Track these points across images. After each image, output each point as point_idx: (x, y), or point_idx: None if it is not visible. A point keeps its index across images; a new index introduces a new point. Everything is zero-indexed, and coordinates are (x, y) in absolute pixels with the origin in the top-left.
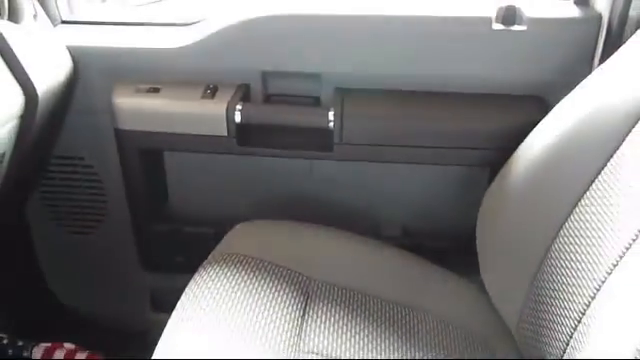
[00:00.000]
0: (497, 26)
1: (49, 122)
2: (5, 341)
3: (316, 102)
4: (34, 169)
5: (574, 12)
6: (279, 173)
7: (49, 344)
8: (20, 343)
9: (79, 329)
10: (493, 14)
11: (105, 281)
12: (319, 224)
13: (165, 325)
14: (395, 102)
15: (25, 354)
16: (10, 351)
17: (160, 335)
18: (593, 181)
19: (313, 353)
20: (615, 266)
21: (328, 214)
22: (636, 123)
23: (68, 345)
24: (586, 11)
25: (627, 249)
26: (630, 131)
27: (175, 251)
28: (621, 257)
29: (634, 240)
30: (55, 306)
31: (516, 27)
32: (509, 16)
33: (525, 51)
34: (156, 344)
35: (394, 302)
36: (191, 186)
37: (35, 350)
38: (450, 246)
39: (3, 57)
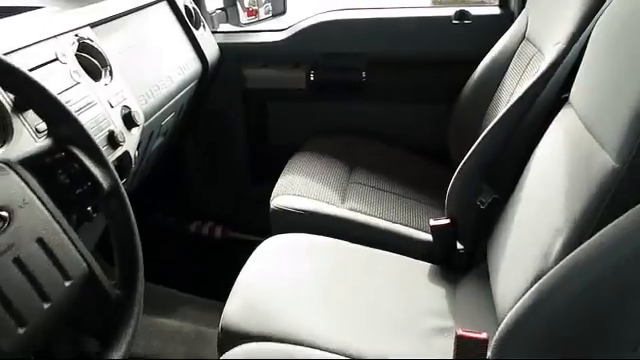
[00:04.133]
0: (455, 21)
1: (208, 84)
2: (172, 220)
3: (356, 68)
4: (195, 117)
5: (498, 11)
6: (335, 109)
7: (200, 221)
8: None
9: (210, 219)
10: (452, 14)
11: (228, 191)
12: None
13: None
14: (400, 67)
15: (185, 227)
16: (176, 226)
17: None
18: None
19: (357, 183)
20: None
21: (362, 132)
22: (514, 53)
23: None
24: (505, 10)
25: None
26: (511, 60)
27: (272, 168)
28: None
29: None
30: (198, 204)
31: (466, 21)
32: (461, 15)
33: (471, 35)
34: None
35: (402, 176)
36: (283, 124)
37: (192, 225)
38: (432, 148)
39: (193, 46)
